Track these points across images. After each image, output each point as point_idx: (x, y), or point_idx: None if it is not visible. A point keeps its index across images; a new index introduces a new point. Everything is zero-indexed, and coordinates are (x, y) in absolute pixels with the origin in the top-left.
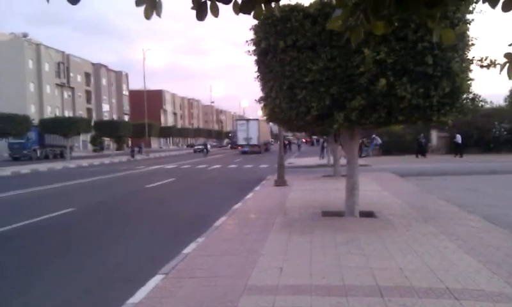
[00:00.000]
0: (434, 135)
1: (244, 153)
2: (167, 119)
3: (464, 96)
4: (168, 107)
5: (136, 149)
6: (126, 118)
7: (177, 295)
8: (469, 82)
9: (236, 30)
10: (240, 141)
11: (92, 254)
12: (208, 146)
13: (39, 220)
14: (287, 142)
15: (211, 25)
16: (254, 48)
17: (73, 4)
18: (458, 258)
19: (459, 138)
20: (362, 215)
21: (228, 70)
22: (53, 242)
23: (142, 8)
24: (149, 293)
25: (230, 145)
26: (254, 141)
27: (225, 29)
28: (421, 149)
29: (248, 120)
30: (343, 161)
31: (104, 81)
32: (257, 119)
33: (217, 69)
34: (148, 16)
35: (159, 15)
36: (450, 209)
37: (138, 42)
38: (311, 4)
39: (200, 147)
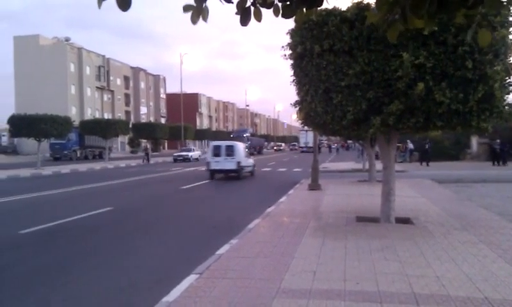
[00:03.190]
0: (474, 141)
1: (303, 152)
2: (202, 122)
3: (506, 102)
4: (204, 110)
5: (146, 153)
6: (163, 121)
7: (211, 295)
8: (511, 87)
9: (269, 34)
10: (302, 144)
11: (128, 252)
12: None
13: (78, 218)
14: (327, 146)
15: (244, 30)
16: (290, 52)
17: (123, 10)
18: (498, 267)
19: (497, 144)
20: (398, 222)
21: (261, 73)
22: (91, 239)
23: (177, 13)
24: (183, 292)
25: None
26: (310, 144)
27: (258, 33)
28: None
29: (306, 131)
30: (379, 166)
31: (142, 84)
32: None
33: (251, 72)
34: (194, 21)
35: (205, 20)
36: (490, 217)
37: (174, 47)
38: (348, 8)
39: (184, 154)
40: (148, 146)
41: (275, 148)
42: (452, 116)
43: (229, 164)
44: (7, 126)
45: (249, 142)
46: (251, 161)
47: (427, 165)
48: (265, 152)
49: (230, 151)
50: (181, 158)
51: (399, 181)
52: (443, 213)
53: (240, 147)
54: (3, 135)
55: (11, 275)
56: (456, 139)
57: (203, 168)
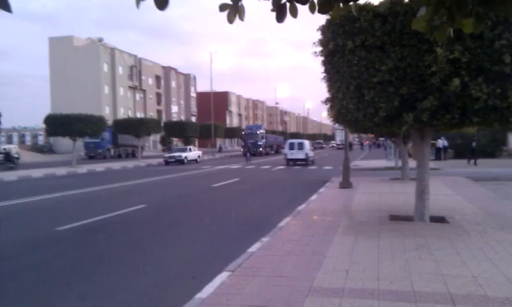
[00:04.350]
0: (511, 138)
1: (339, 149)
2: (232, 120)
3: None
4: (233, 108)
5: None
6: (193, 119)
7: (243, 292)
8: None
9: (297, 31)
10: (338, 142)
11: (162, 249)
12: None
13: (114, 215)
14: (358, 143)
15: (272, 28)
16: (321, 49)
17: (161, 9)
18: None
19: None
20: (433, 220)
21: (290, 71)
22: (126, 236)
23: (205, 12)
24: (216, 289)
25: (243, 149)
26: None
27: (286, 31)
28: None
29: (342, 129)
30: (412, 164)
31: (173, 83)
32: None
33: (280, 70)
34: (231, 20)
35: (241, 18)
36: None
37: (203, 45)
38: (381, 3)
39: (176, 155)
40: (180, 144)
41: None
42: (489, 112)
43: (300, 155)
44: (43, 126)
45: (263, 140)
46: (312, 153)
47: (475, 163)
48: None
49: (301, 146)
50: (173, 159)
51: (433, 179)
52: (479, 211)
53: (307, 143)
54: (39, 135)
55: (49, 270)
56: (492, 136)
57: (235, 166)
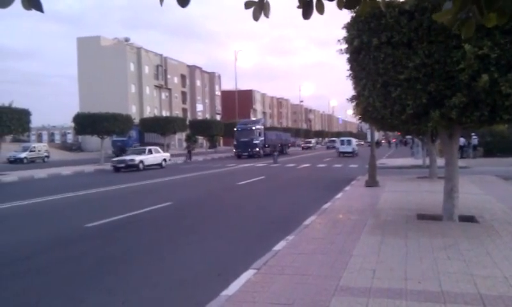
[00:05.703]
0: None
1: (370, 146)
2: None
3: None
4: (258, 106)
5: (189, 152)
6: (218, 117)
7: (269, 290)
8: None
9: (319, 29)
10: (369, 139)
11: (188, 246)
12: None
13: (140, 212)
14: (385, 141)
15: (295, 25)
16: (346, 46)
17: (182, 6)
18: None
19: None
20: (462, 220)
21: (315, 68)
22: (153, 233)
23: (227, 10)
24: (242, 286)
25: (234, 148)
26: (375, 140)
27: (308, 28)
28: None
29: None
30: (440, 162)
31: (198, 82)
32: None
33: (303, 68)
34: (257, 17)
35: (267, 15)
36: None
37: (226, 44)
38: (407, 0)
39: (127, 159)
40: (205, 142)
41: (303, 145)
42: None
43: (348, 149)
44: (72, 125)
45: (261, 138)
46: (357, 148)
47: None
48: (291, 151)
49: (349, 142)
50: (123, 165)
51: (462, 177)
52: (510, 211)
53: (354, 140)
54: (68, 133)
55: (78, 266)
56: None
57: (260, 164)
